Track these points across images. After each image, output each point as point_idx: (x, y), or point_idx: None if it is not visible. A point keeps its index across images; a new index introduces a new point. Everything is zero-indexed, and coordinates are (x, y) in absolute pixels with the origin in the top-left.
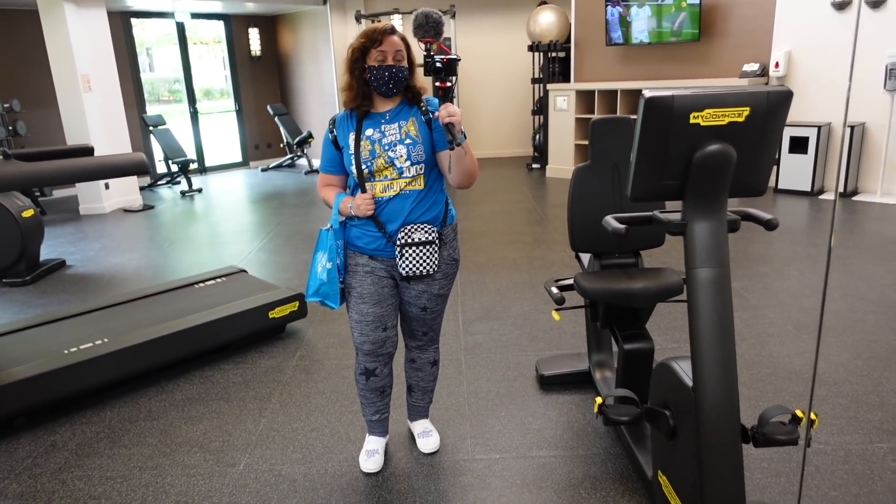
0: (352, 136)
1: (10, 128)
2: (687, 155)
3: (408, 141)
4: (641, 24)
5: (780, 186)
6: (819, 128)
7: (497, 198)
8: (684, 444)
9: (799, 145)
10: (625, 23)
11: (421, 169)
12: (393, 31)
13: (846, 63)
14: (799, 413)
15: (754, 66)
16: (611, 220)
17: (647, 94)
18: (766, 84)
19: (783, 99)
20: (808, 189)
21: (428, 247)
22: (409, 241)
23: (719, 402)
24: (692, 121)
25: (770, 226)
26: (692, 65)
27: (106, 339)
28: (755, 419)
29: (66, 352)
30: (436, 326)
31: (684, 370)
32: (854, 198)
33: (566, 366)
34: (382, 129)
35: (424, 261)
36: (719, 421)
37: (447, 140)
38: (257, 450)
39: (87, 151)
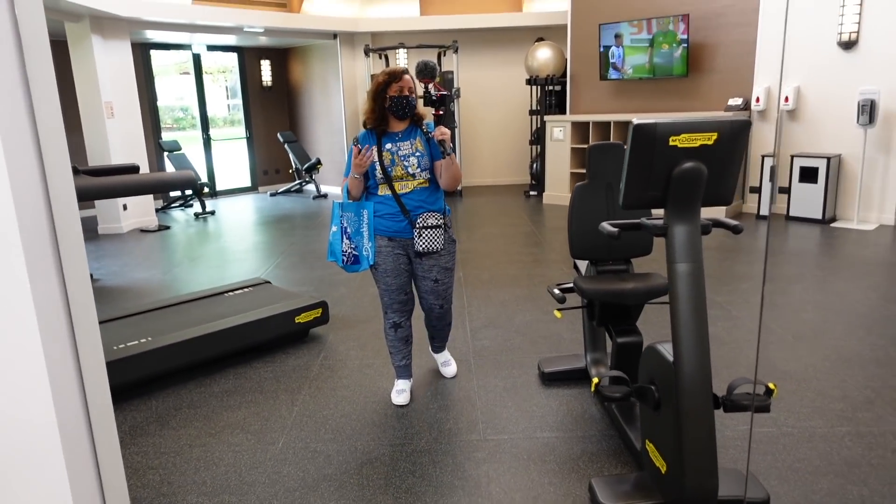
0: (374, 149)
1: None
2: (667, 171)
3: (417, 154)
4: (633, 61)
5: (791, 214)
6: (829, 159)
7: (497, 222)
8: (667, 413)
9: (809, 175)
10: (616, 61)
11: (428, 174)
12: (406, 72)
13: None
14: (771, 385)
15: (738, 101)
16: (606, 226)
17: (636, 121)
18: (749, 116)
19: (743, 127)
20: (820, 217)
21: (437, 229)
22: (425, 224)
23: (695, 374)
24: (671, 143)
25: (736, 230)
26: (681, 99)
27: (150, 338)
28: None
29: (115, 348)
30: (448, 296)
31: (667, 350)
32: (832, 224)
33: (565, 364)
34: (398, 145)
35: (435, 240)
36: (694, 389)
37: (440, 151)
38: (293, 431)
39: (134, 169)
